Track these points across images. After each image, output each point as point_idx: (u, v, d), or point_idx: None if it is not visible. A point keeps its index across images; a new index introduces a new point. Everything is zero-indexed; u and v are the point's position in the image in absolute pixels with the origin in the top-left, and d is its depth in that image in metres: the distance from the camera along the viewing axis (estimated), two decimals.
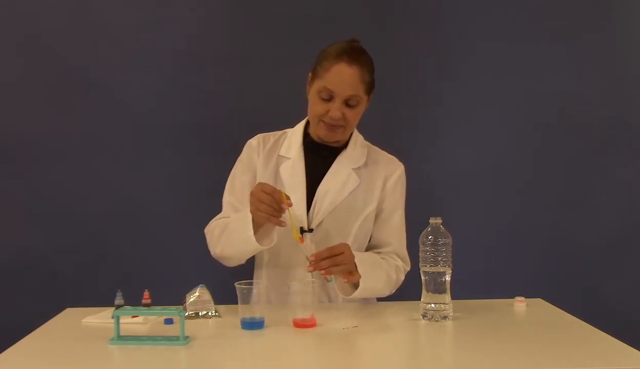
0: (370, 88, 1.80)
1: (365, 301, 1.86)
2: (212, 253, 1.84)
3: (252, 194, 1.65)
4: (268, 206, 1.61)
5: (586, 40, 2.72)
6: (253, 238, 1.66)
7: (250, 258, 1.84)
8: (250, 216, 1.66)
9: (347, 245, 1.71)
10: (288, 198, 1.63)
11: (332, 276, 1.67)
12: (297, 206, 1.78)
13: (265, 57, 2.61)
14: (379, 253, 1.87)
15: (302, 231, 1.78)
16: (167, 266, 2.59)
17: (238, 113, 2.60)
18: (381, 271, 1.79)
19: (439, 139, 2.70)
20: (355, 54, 1.75)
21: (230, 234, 1.75)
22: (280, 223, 1.63)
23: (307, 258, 1.66)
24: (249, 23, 2.63)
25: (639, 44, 2.75)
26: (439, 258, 1.59)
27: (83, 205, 2.59)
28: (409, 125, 2.68)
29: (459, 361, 1.37)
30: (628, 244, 2.75)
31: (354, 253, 1.71)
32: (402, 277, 1.87)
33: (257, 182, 1.83)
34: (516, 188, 2.72)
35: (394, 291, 1.86)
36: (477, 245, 2.64)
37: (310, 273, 1.74)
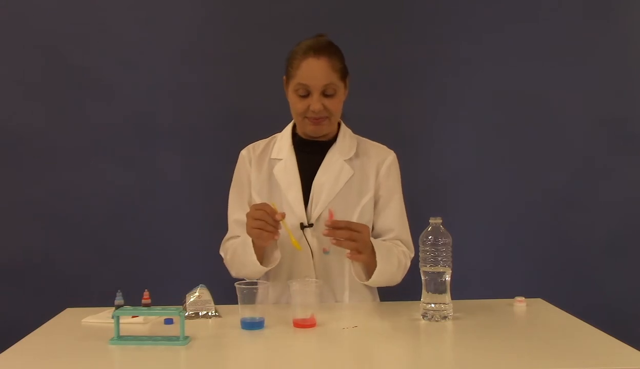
0: (343, 74, 1.82)
1: (365, 301, 1.86)
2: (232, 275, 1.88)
3: (246, 216, 1.69)
4: (260, 220, 1.64)
5: (586, 40, 2.72)
6: (257, 262, 1.72)
7: None
8: (250, 240, 1.71)
9: (367, 227, 1.74)
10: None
11: (330, 250, 1.70)
12: (294, 203, 1.81)
13: (265, 57, 2.61)
14: (383, 240, 1.87)
15: (302, 226, 1.79)
16: (167, 266, 2.59)
17: (238, 113, 2.60)
18: (394, 257, 1.80)
19: (439, 139, 2.70)
20: (320, 46, 1.79)
21: (238, 259, 1.80)
22: (273, 237, 1.66)
23: (325, 224, 1.67)
24: (249, 23, 2.63)
25: (639, 44, 2.75)
26: (439, 258, 1.59)
27: (83, 205, 2.59)
28: (409, 125, 2.68)
29: (459, 361, 1.37)
30: (628, 244, 2.75)
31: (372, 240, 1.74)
32: (409, 263, 1.87)
33: (252, 188, 1.87)
34: (516, 188, 2.72)
35: (405, 272, 1.86)
36: (477, 244, 2.64)
37: (311, 273, 1.74)
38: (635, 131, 2.75)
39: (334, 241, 1.66)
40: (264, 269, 1.76)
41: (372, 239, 1.75)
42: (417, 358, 1.40)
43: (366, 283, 1.79)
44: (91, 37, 2.59)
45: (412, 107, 2.69)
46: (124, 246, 2.61)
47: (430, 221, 1.62)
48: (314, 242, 1.79)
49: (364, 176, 1.87)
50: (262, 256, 1.76)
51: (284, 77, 1.85)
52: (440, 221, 1.61)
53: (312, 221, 1.81)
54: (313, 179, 1.84)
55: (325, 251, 1.74)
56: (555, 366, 1.29)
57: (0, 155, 2.58)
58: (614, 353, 1.36)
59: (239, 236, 1.86)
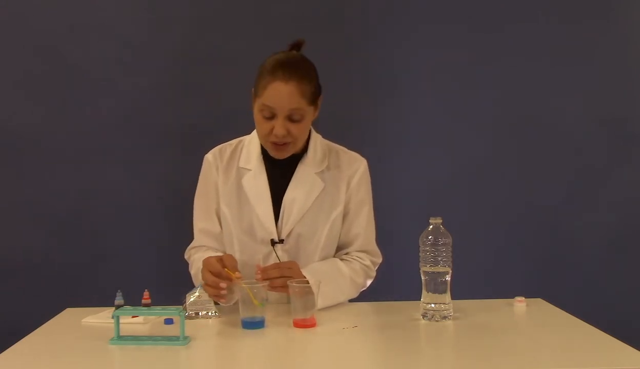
0: (313, 98, 1.73)
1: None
2: None
3: (202, 271, 1.64)
4: (212, 287, 1.60)
5: (586, 40, 2.72)
6: (212, 302, 1.67)
7: None
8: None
9: (295, 262, 1.72)
10: (237, 269, 1.60)
11: (267, 299, 1.63)
12: (265, 218, 1.78)
13: (265, 57, 2.60)
14: (346, 253, 1.86)
15: (272, 243, 1.77)
16: (167, 266, 2.59)
17: (238, 113, 2.59)
18: (343, 282, 1.77)
19: (439, 138, 2.70)
20: (290, 68, 1.69)
21: (198, 283, 1.75)
22: (224, 301, 1.62)
23: (256, 274, 1.65)
24: (249, 23, 2.63)
25: (639, 44, 2.75)
26: (439, 258, 1.59)
27: (83, 205, 2.60)
28: (410, 125, 2.68)
29: (459, 361, 1.37)
30: (628, 244, 2.75)
31: (308, 269, 1.71)
32: (374, 273, 1.87)
33: (220, 197, 1.83)
34: (516, 188, 2.72)
35: (367, 285, 1.86)
36: (477, 244, 2.63)
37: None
38: (635, 131, 2.75)
39: (269, 285, 1.62)
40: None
41: (308, 272, 1.70)
42: (417, 358, 1.40)
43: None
44: (91, 37, 2.59)
45: (414, 106, 2.69)
46: (124, 246, 2.60)
47: (430, 221, 1.62)
48: (284, 258, 1.77)
49: (335, 189, 1.83)
50: None
51: (252, 90, 1.78)
52: (440, 221, 1.61)
53: (283, 237, 1.78)
54: (283, 193, 1.80)
55: (259, 303, 1.69)
56: (555, 366, 1.29)
57: (0, 155, 2.58)
58: (614, 353, 1.36)
59: (203, 246, 1.85)
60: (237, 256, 1.77)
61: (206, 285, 1.62)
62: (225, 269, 1.59)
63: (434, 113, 2.70)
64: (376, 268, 1.89)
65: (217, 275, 1.59)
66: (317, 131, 1.91)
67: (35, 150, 2.58)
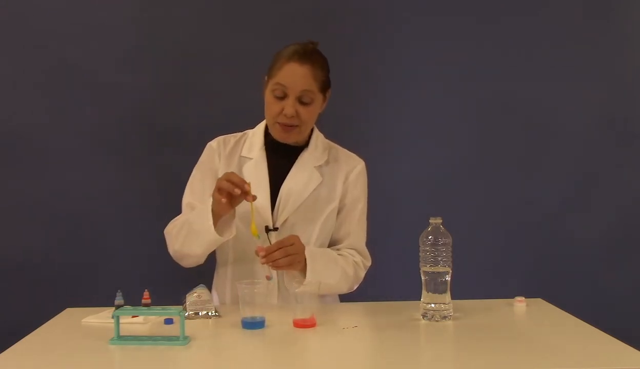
0: (324, 86, 1.82)
1: (324, 302, 1.86)
2: (171, 252, 1.84)
3: (220, 179, 1.65)
4: (231, 184, 1.61)
5: (586, 40, 2.72)
6: (212, 228, 1.67)
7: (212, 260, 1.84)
8: (210, 207, 1.67)
9: (297, 236, 1.72)
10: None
11: (273, 275, 1.67)
12: (261, 205, 1.79)
13: (265, 57, 2.60)
14: (337, 249, 1.87)
15: (267, 230, 1.79)
16: (167, 266, 2.58)
17: (237, 113, 2.59)
18: (335, 267, 1.79)
19: (439, 138, 2.70)
20: (307, 53, 1.78)
21: (190, 227, 1.75)
22: (231, 205, 1.64)
23: (256, 253, 1.66)
24: (249, 23, 2.63)
25: (639, 44, 2.75)
26: (439, 258, 1.59)
27: (83, 205, 2.59)
28: (410, 124, 2.68)
29: (459, 361, 1.37)
30: (628, 244, 2.75)
31: (308, 248, 1.72)
32: (362, 274, 1.87)
33: None
34: (516, 188, 2.72)
35: (355, 288, 1.86)
36: (477, 244, 2.63)
37: (272, 273, 1.74)
38: (635, 131, 2.75)
39: (273, 266, 1.65)
40: (216, 239, 1.69)
41: (307, 249, 1.72)
42: (417, 358, 1.40)
43: (298, 290, 1.66)
44: (91, 37, 2.58)
45: (414, 106, 2.69)
46: (124, 246, 2.60)
47: (430, 221, 1.62)
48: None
49: (332, 184, 1.87)
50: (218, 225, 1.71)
51: (265, 77, 1.84)
52: (440, 221, 1.61)
53: (278, 225, 1.81)
54: (282, 183, 1.83)
55: (269, 278, 1.70)
56: (555, 366, 1.29)
57: (0, 155, 2.58)
58: (614, 353, 1.36)
59: None
60: (230, 244, 1.80)
61: (219, 189, 1.61)
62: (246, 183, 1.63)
63: (434, 113, 2.70)
64: (365, 271, 1.88)
65: (240, 183, 1.61)
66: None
67: (35, 150, 2.58)
